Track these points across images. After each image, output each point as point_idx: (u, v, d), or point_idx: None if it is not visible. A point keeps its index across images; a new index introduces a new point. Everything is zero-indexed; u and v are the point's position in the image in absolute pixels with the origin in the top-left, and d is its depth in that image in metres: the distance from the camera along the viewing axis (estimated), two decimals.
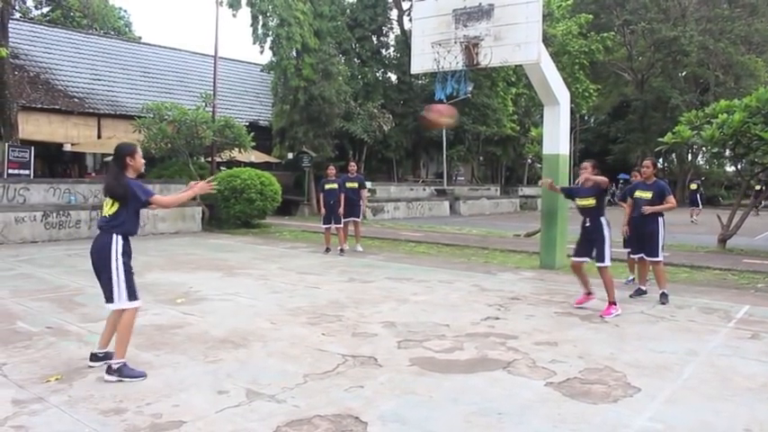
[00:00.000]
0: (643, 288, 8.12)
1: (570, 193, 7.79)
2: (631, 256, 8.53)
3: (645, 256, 7.93)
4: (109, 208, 4.73)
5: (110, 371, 4.56)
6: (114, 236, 4.68)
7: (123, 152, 4.78)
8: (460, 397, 4.29)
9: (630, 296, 8.04)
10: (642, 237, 7.90)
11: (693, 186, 26.51)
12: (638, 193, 7.99)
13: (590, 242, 7.17)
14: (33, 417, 3.86)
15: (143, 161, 4.90)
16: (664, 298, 7.72)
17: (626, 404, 4.21)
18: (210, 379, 4.60)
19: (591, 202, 7.13)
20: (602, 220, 7.12)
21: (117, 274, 4.65)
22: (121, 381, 4.49)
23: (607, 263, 7.11)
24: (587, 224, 7.20)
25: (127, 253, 4.75)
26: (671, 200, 7.75)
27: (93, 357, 4.86)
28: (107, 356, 4.78)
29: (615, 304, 7.02)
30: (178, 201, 5.14)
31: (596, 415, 4.00)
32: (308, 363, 5.02)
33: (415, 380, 4.65)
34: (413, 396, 4.31)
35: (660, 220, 7.79)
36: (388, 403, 4.16)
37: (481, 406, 4.13)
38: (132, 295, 4.73)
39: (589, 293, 7.45)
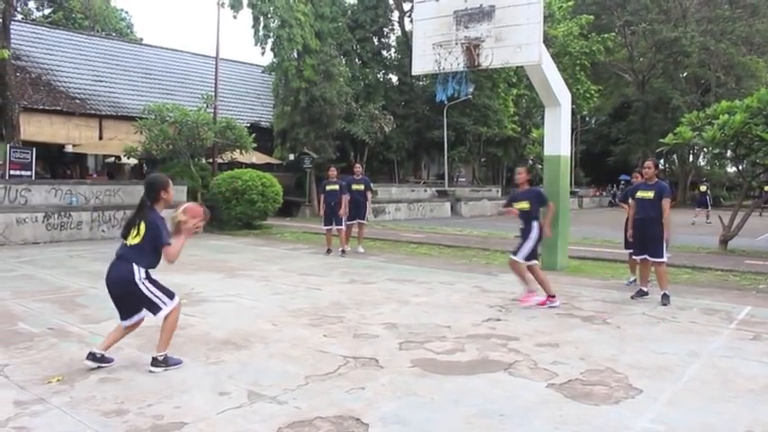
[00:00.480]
0: (644, 289, 8.11)
1: (511, 200, 8.19)
2: (634, 257, 8.51)
3: (648, 257, 7.90)
4: (132, 238, 4.71)
5: (156, 363, 4.75)
6: (135, 266, 4.68)
7: (158, 185, 4.78)
8: (462, 398, 4.28)
9: (632, 297, 8.04)
10: (645, 238, 7.87)
11: (703, 188, 26.47)
12: (639, 194, 7.99)
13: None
14: (35, 418, 3.86)
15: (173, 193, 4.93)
16: (665, 299, 7.71)
17: (627, 405, 4.20)
18: (212, 380, 4.60)
19: (525, 205, 7.68)
20: (535, 223, 7.64)
21: (149, 291, 4.72)
22: (167, 370, 4.74)
23: (518, 259, 7.57)
24: (522, 226, 7.72)
25: (149, 277, 4.79)
26: (666, 205, 7.72)
27: (92, 357, 4.80)
28: (104, 360, 4.81)
29: (534, 292, 7.64)
30: (180, 250, 4.79)
31: (598, 416, 3.99)
32: (309, 364, 5.02)
33: (416, 381, 4.65)
34: (414, 397, 4.30)
35: (663, 221, 7.75)
36: (389, 405, 4.16)
37: (482, 407, 4.12)
38: (170, 295, 4.85)
39: (531, 291, 7.75)
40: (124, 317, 4.81)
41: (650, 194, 7.80)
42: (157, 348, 4.82)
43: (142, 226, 4.67)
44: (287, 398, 4.25)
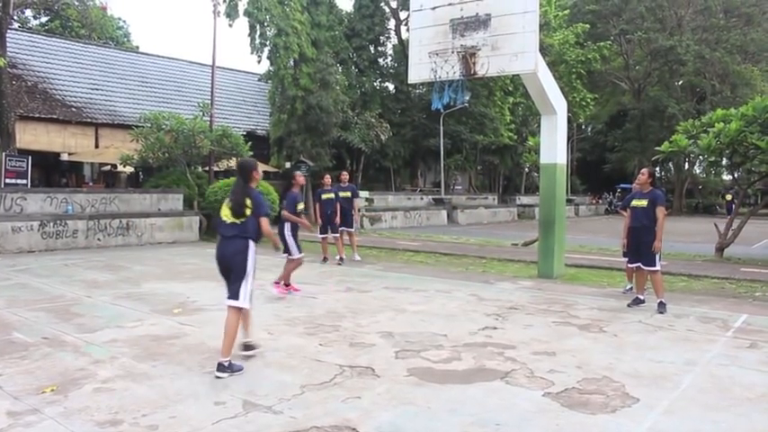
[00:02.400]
0: (641, 297, 8.11)
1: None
2: (629, 265, 8.52)
3: (642, 266, 7.94)
4: (238, 218, 5.15)
5: (221, 368, 4.89)
6: (249, 242, 5.15)
7: (250, 167, 5.36)
8: (458, 408, 4.27)
9: (628, 305, 8.03)
10: (640, 246, 7.91)
11: (728, 197, 26.45)
12: (634, 203, 8.05)
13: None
14: (28, 428, 3.83)
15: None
16: (662, 307, 7.72)
17: (624, 414, 4.19)
18: (207, 390, 4.58)
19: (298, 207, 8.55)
20: (287, 225, 8.69)
21: (248, 278, 5.14)
22: (232, 375, 4.88)
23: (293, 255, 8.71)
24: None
25: (254, 254, 5.23)
26: (660, 213, 7.74)
27: (246, 348, 5.34)
28: (254, 347, 5.40)
29: (288, 286, 8.73)
30: (270, 233, 5.40)
31: (595, 426, 3.98)
32: (305, 373, 5.00)
33: (412, 390, 4.63)
34: (411, 407, 4.29)
35: (656, 229, 7.77)
36: (385, 414, 4.14)
37: (479, 417, 4.11)
38: (251, 300, 5.25)
39: (287, 285, 8.77)
40: (232, 295, 5.15)
41: (644, 203, 7.85)
42: (222, 353, 4.98)
43: (248, 202, 5.16)
44: (282, 407, 4.23)
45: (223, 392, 4.51)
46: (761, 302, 8.65)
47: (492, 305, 8.14)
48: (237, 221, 5.16)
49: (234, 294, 5.09)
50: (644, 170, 8.19)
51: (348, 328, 6.67)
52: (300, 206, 9.07)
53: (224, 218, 5.23)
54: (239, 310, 5.11)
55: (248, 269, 5.12)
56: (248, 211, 5.14)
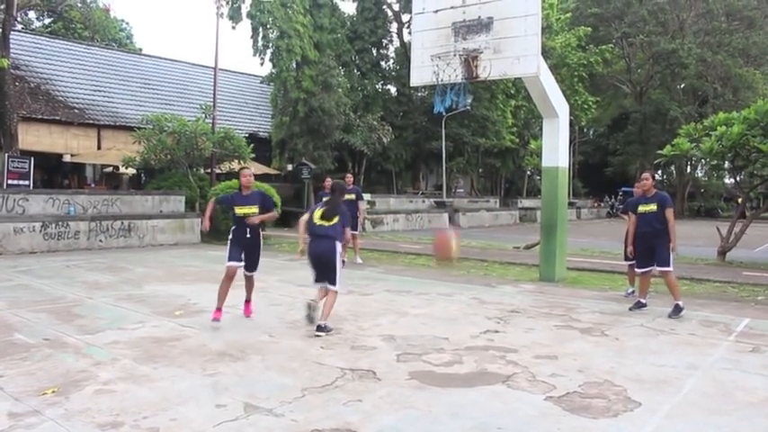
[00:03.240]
0: (643, 301, 8.08)
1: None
2: (636, 270, 8.33)
3: (657, 267, 7.80)
4: (328, 222, 6.61)
5: (320, 329, 6.37)
6: (336, 242, 6.59)
7: (342, 189, 7.10)
8: (460, 411, 4.26)
9: (630, 309, 8.01)
10: (653, 248, 7.78)
11: (740, 200, 26.45)
12: (641, 208, 7.89)
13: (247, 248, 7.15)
14: (29, 430, 3.83)
15: None
16: (677, 311, 7.63)
17: (626, 419, 4.18)
18: (208, 392, 4.58)
19: (254, 209, 6.99)
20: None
21: (340, 268, 6.62)
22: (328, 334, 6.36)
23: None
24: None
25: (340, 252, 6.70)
26: (670, 215, 7.69)
27: (320, 329, 6.40)
28: (327, 329, 6.45)
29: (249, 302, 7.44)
30: (349, 239, 7.43)
31: (596, 430, 3.97)
32: (306, 376, 4.99)
33: (414, 394, 4.62)
34: (412, 410, 4.28)
35: (669, 229, 7.69)
36: (387, 417, 4.13)
37: (481, 421, 4.10)
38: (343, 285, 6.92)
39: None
40: (323, 280, 6.62)
41: (653, 207, 7.74)
42: (323, 317, 6.47)
43: (337, 211, 6.69)
44: (284, 410, 4.22)
45: (224, 395, 4.51)
46: (763, 306, 8.64)
47: (493, 308, 8.13)
48: (326, 224, 6.60)
49: (332, 282, 6.55)
50: (646, 174, 8.07)
51: (350, 330, 6.67)
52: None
53: (316, 221, 6.65)
54: (336, 293, 6.59)
55: (338, 263, 6.55)
56: (336, 219, 6.61)
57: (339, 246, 6.59)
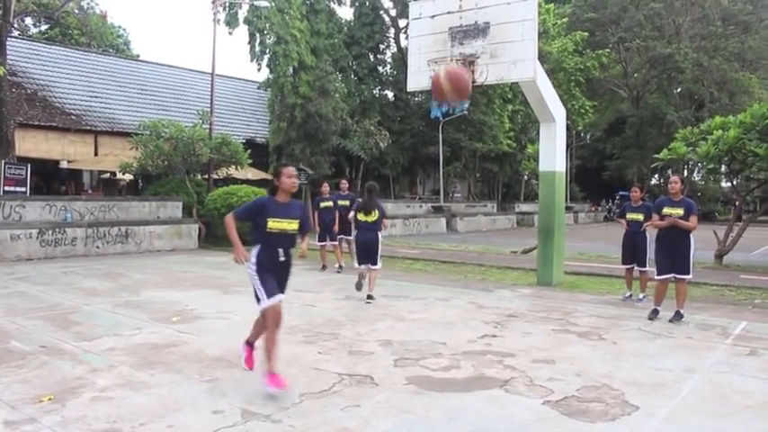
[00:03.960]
0: (659, 308, 7.81)
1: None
2: (658, 276, 7.81)
3: (677, 275, 7.61)
4: (371, 217, 8.97)
5: (370, 297, 8.81)
6: (378, 233, 9.03)
7: (374, 188, 9.18)
8: (457, 416, 4.25)
9: (649, 318, 7.71)
10: (674, 253, 7.60)
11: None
12: (667, 210, 7.66)
13: None
14: None
15: None
16: (678, 317, 7.59)
17: (624, 422, 4.18)
18: (206, 398, 4.56)
19: (294, 225, 5.23)
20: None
21: (380, 252, 9.07)
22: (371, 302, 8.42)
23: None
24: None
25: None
26: (694, 221, 7.56)
27: (370, 297, 8.78)
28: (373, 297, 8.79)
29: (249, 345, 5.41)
30: (387, 225, 9.86)
31: None
32: (303, 382, 4.99)
33: (411, 399, 4.62)
34: (410, 415, 4.27)
35: (692, 236, 7.61)
36: (384, 423, 4.12)
37: (478, 425, 4.09)
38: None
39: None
40: (367, 261, 8.97)
41: (680, 211, 7.56)
42: (370, 289, 8.89)
43: (377, 207, 9.00)
44: (281, 416, 4.21)
45: (221, 401, 4.50)
46: (760, 309, 8.65)
47: (491, 313, 8.13)
48: (370, 221, 8.93)
49: (374, 263, 8.93)
50: (675, 178, 7.83)
51: (347, 336, 6.66)
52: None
53: (360, 218, 9.01)
54: (377, 270, 9.10)
55: (379, 248, 8.98)
56: (376, 213, 8.93)
57: (380, 235, 9.00)
